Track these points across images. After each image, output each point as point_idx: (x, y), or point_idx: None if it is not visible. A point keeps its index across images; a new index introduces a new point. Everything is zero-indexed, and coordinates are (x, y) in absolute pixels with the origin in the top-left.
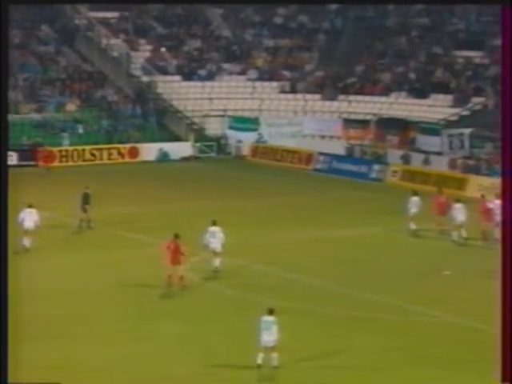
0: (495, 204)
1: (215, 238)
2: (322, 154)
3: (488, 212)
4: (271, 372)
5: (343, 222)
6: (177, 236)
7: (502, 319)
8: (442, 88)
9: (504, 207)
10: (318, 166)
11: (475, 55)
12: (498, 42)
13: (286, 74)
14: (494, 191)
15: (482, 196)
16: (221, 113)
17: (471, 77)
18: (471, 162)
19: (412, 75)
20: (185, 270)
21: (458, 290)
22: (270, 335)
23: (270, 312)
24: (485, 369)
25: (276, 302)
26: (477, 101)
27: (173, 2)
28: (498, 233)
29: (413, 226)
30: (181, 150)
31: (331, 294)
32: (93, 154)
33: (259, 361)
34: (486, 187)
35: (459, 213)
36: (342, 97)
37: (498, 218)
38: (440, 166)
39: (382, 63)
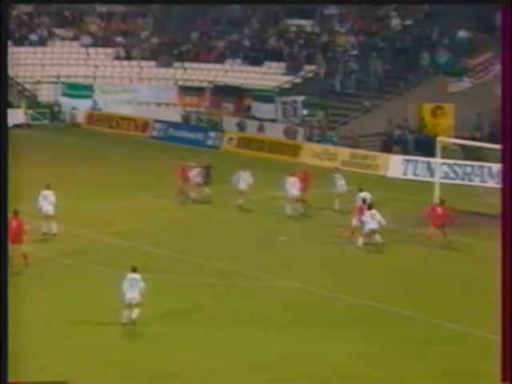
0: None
1: (46, 200)
2: (158, 121)
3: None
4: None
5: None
6: (16, 212)
7: (502, 320)
8: (276, 56)
9: (504, 206)
10: (155, 134)
11: (306, 23)
12: (328, 10)
13: (121, 40)
14: (325, 157)
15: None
16: (54, 79)
17: (303, 45)
18: (304, 129)
19: (246, 43)
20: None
21: (295, 255)
22: (134, 292)
23: (134, 270)
24: (324, 330)
25: (114, 270)
26: (309, 69)
27: (171, 2)
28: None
29: (240, 201)
30: (12, 117)
31: (168, 260)
32: None
33: (124, 320)
34: (318, 153)
35: (291, 187)
36: (177, 64)
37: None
38: (274, 133)
39: (216, 30)
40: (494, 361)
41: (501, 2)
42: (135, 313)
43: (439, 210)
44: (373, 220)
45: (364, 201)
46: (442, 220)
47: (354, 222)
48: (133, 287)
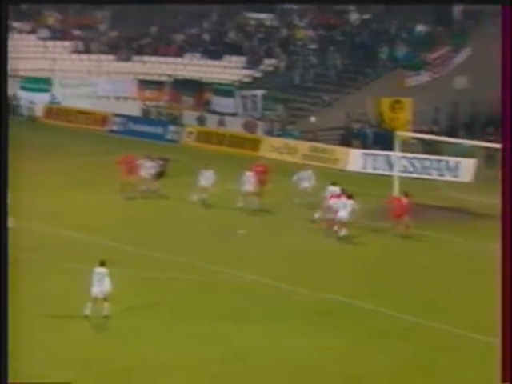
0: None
1: None
2: (117, 115)
3: None
4: (102, 321)
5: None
6: None
7: (502, 320)
8: (235, 50)
9: (504, 207)
10: (114, 128)
11: (266, 17)
12: (287, 5)
13: (79, 33)
14: (286, 151)
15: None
16: (11, 73)
17: (263, 39)
18: (264, 123)
19: (206, 36)
20: None
21: (257, 249)
22: (101, 286)
23: (102, 264)
24: (287, 323)
25: (74, 265)
26: (268, 62)
27: (170, 2)
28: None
29: (204, 195)
30: None
31: (130, 255)
32: None
33: (87, 312)
34: (278, 147)
35: (246, 182)
36: (136, 57)
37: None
38: (234, 127)
39: (175, 24)
40: (452, 354)
41: (501, 2)
42: (106, 308)
43: (403, 201)
44: (344, 209)
45: (343, 190)
46: (405, 210)
47: (328, 212)
48: (99, 281)
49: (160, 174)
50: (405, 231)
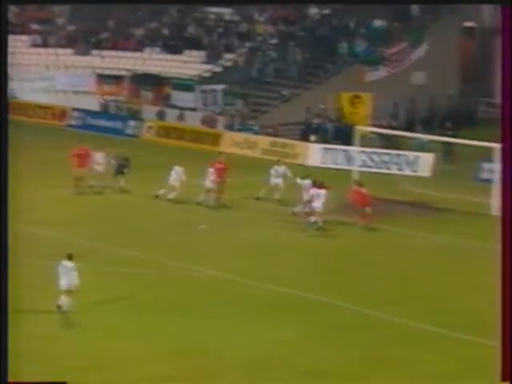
0: None
1: None
2: (75, 109)
3: None
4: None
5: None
6: None
7: (501, 319)
8: (195, 44)
9: (504, 207)
10: (73, 122)
11: (226, 12)
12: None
13: (37, 27)
14: (246, 146)
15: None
16: None
17: (222, 33)
18: (224, 118)
19: (165, 31)
20: None
21: (218, 244)
22: (67, 280)
23: (69, 257)
24: (248, 318)
25: (35, 260)
26: (228, 57)
27: (170, 2)
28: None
29: (171, 195)
30: None
31: (91, 250)
32: None
33: (59, 302)
34: (238, 142)
35: (207, 178)
36: (95, 52)
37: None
38: (194, 121)
39: (134, 18)
40: (411, 346)
41: (501, 2)
42: (66, 304)
43: (363, 191)
44: (318, 199)
45: (314, 182)
46: (367, 200)
47: (307, 205)
48: (65, 275)
49: (119, 173)
50: (368, 223)
